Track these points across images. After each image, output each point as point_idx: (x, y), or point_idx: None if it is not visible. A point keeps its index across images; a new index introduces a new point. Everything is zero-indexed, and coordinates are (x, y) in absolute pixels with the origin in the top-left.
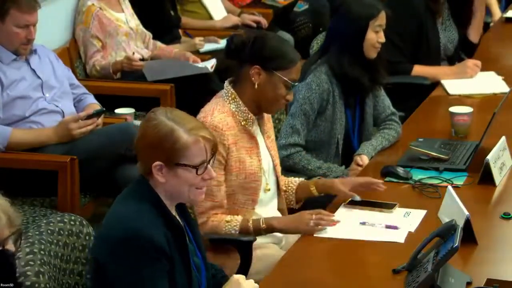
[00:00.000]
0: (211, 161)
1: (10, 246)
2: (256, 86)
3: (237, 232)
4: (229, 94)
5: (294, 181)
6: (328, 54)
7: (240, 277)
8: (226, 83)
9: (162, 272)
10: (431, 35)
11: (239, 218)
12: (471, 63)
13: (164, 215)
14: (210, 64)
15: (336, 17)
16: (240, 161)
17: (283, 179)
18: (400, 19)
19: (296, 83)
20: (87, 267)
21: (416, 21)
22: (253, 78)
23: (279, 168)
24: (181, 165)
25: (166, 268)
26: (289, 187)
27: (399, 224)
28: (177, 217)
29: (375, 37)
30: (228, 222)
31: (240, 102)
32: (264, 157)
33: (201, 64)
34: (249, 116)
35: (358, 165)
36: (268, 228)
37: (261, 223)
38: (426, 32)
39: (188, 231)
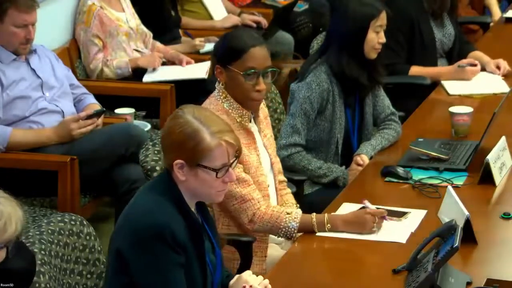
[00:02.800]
0: (233, 164)
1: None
2: (223, 85)
3: (297, 225)
4: (221, 93)
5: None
6: (327, 53)
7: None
8: (217, 82)
9: (181, 266)
10: (424, 32)
11: (299, 211)
12: (469, 69)
13: (183, 210)
14: (204, 70)
15: (336, 17)
16: (245, 155)
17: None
18: (390, 20)
19: (256, 70)
20: (108, 258)
21: (407, 21)
22: (218, 78)
23: (276, 166)
24: (201, 167)
25: (184, 263)
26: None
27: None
28: (196, 214)
29: (375, 38)
30: (289, 214)
31: (232, 100)
32: (263, 155)
33: (195, 66)
34: (244, 112)
35: (358, 164)
36: (332, 228)
37: (325, 222)
38: (419, 29)
39: (206, 228)
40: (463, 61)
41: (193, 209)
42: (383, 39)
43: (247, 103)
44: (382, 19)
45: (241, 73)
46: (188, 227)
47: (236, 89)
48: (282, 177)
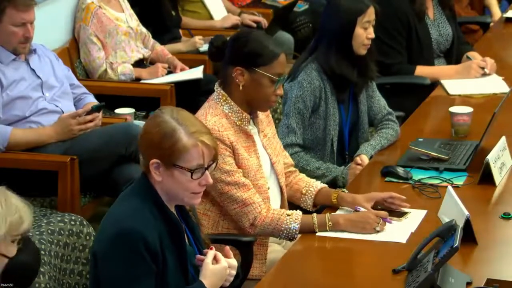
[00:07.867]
0: (211, 167)
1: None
2: (241, 87)
3: (298, 226)
4: (220, 96)
5: (316, 185)
6: (317, 51)
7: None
8: (216, 85)
9: (149, 273)
10: (420, 32)
11: (299, 212)
12: (475, 65)
13: (162, 212)
14: (200, 71)
15: (325, 14)
16: (244, 158)
17: (304, 181)
18: (386, 19)
19: (283, 77)
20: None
21: (402, 20)
22: (237, 80)
23: (278, 166)
24: (177, 167)
25: (154, 270)
26: (309, 191)
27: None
28: (177, 216)
29: (364, 34)
30: (289, 216)
31: (232, 103)
32: (262, 157)
33: (190, 71)
34: (244, 115)
35: (358, 164)
36: (334, 226)
37: (327, 220)
38: (415, 29)
39: (188, 232)
40: (474, 61)
41: (173, 211)
42: (372, 35)
43: (263, 105)
44: (370, 14)
45: (272, 77)
46: (169, 232)
47: (258, 91)
48: (292, 168)
